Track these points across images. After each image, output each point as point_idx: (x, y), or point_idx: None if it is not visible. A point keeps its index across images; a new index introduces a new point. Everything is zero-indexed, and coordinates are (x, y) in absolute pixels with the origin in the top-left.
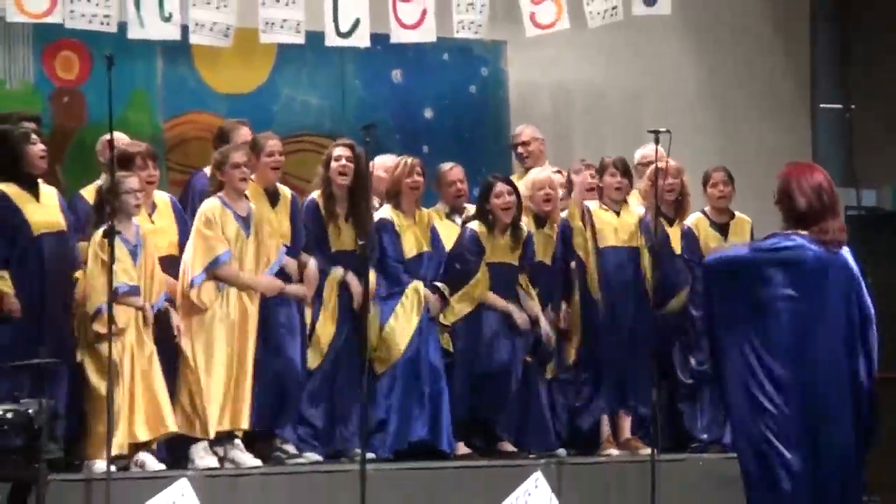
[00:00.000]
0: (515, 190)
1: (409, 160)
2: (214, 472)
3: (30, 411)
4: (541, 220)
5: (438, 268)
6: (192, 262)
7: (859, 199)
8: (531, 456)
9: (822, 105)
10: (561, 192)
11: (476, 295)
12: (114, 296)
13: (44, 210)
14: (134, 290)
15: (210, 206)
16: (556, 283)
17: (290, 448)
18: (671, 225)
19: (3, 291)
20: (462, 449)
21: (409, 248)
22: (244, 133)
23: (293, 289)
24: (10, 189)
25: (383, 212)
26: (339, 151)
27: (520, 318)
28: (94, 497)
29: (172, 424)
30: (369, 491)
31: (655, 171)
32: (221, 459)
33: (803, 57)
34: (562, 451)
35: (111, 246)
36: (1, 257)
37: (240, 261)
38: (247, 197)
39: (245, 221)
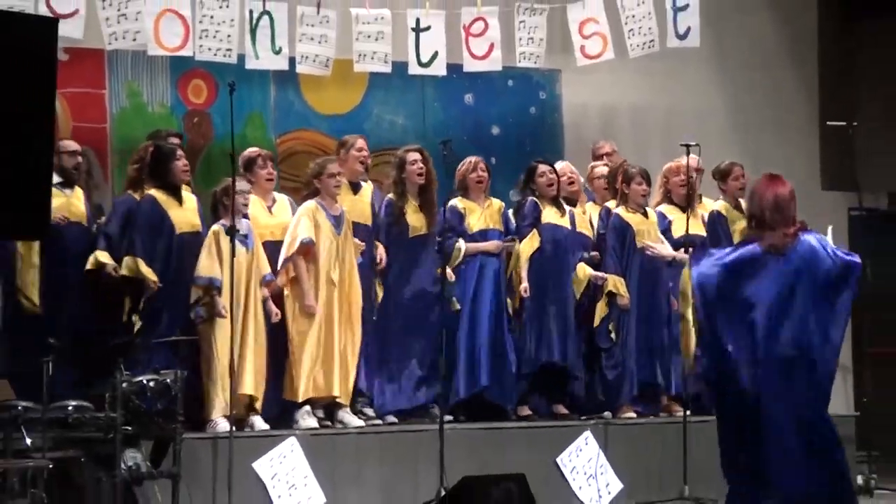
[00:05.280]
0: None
1: (474, 159)
2: (317, 431)
3: (168, 380)
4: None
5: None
6: (282, 252)
7: (861, 201)
8: (582, 418)
9: (828, 122)
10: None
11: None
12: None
13: (185, 213)
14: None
15: (308, 206)
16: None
17: (369, 411)
18: (684, 212)
19: (144, 274)
20: (524, 411)
21: (476, 225)
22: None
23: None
24: (159, 194)
25: (453, 201)
26: (413, 156)
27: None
28: (220, 452)
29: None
30: (447, 447)
31: (687, 180)
32: (321, 420)
33: (812, 82)
34: (608, 414)
35: (232, 243)
36: (144, 249)
37: (335, 253)
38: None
39: (337, 220)
